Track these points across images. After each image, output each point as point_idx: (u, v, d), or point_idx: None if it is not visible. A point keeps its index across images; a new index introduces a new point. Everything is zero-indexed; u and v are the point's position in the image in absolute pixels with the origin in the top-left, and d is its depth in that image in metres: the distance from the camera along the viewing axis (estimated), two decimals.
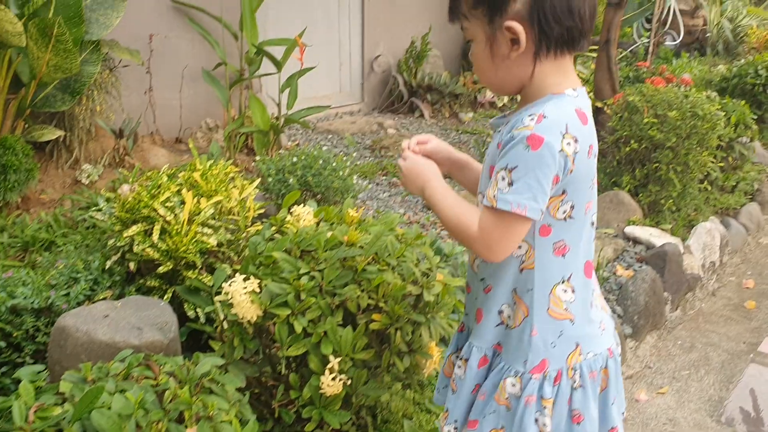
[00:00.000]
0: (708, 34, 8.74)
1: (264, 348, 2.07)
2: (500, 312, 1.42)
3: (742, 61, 6.22)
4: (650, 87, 4.13)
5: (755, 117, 4.89)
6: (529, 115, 1.25)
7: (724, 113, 4.10)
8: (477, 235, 1.31)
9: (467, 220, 1.33)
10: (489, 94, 6.91)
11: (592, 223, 1.41)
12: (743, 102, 4.84)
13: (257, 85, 5.16)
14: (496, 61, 1.31)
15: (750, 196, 4.65)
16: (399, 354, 1.99)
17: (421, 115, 6.44)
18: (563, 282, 1.37)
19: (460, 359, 1.50)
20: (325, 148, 5.17)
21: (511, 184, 1.24)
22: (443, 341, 2.57)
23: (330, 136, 5.55)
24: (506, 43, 1.28)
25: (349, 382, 1.89)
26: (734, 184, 4.65)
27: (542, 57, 1.28)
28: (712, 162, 4.19)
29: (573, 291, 1.37)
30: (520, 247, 1.35)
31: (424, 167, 1.46)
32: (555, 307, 1.37)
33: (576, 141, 1.25)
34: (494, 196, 1.26)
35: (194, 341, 2.48)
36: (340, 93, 6.41)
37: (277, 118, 4.38)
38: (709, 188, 4.37)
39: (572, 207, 1.32)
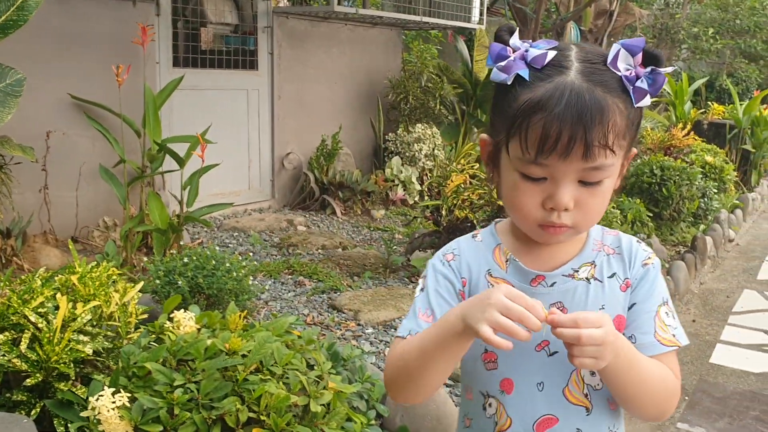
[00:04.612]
0: None
1: None
2: None
3: (638, 161, 6.52)
4: None
5: (651, 214, 5.07)
6: (637, 242, 1.22)
7: (619, 211, 4.23)
8: (678, 384, 1.17)
9: (666, 371, 1.14)
10: (401, 192, 6.99)
11: None
12: (638, 200, 5.02)
13: (160, 183, 5.05)
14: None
15: None
16: None
17: (333, 213, 6.42)
18: None
19: None
20: (230, 246, 5.06)
21: (674, 317, 1.18)
22: None
23: (236, 233, 5.45)
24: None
25: None
26: None
27: None
28: None
29: None
30: None
31: (609, 319, 1.04)
32: None
33: None
34: (674, 336, 1.16)
35: None
36: (250, 190, 6.35)
37: (178, 216, 4.27)
38: None
39: None
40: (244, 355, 1.91)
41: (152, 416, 1.75)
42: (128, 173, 4.43)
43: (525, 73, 1.05)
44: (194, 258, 2.85)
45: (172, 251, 3.81)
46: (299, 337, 2.32)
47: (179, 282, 2.73)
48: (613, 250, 1.20)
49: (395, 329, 3.71)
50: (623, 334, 1.12)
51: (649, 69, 1.05)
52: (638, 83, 1.05)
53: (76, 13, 4.68)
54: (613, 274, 1.18)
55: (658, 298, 1.18)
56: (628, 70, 1.05)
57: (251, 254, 4.68)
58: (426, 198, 6.79)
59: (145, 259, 3.85)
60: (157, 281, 2.79)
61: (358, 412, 2.45)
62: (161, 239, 4.13)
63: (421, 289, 1.21)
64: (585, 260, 1.18)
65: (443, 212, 4.76)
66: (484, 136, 1.16)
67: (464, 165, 5.61)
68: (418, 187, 6.98)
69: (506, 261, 1.19)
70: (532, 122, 1.01)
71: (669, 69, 1.08)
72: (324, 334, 3.37)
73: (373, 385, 2.70)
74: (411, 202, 7.01)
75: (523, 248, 1.19)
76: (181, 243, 4.23)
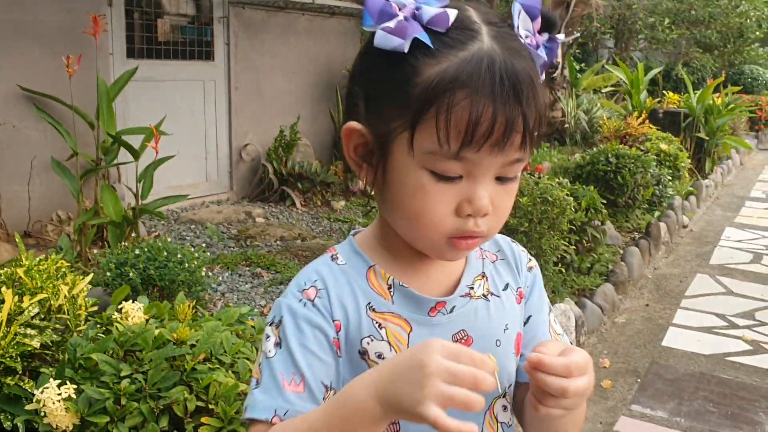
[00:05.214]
0: (567, 125, 9.27)
1: None
2: None
3: (594, 149, 6.60)
4: None
5: (605, 201, 5.15)
6: (512, 241, 1.07)
7: (573, 198, 4.29)
8: None
9: None
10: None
11: None
12: (592, 187, 5.09)
13: (115, 175, 4.99)
14: None
15: (605, 277, 4.84)
16: None
17: (293, 204, 6.41)
18: None
19: None
20: (187, 238, 5.02)
21: (556, 321, 1.09)
22: None
23: (194, 226, 5.41)
24: None
25: None
26: (589, 265, 4.84)
27: None
28: (565, 245, 4.34)
29: None
30: None
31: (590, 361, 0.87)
32: None
33: None
34: (561, 335, 1.08)
35: None
36: (207, 182, 6.30)
37: (133, 209, 4.23)
38: (564, 271, 4.51)
39: None
40: (192, 345, 1.90)
41: (99, 407, 1.74)
42: (82, 166, 4.37)
43: (425, 38, 0.80)
44: (146, 250, 2.83)
45: (126, 244, 3.77)
46: (253, 327, 2.32)
47: (130, 274, 2.71)
48: (495, 255, 1.03)
49: None
50: (522, 354, 1.01)
51: (545, 36, 0.88)
52: (539, 52, 0.87)
53: (23, 3, 4.59)
54: (507, 285, 1.02)
55: (546, 304, 1.07)
56: (527, 36, 0.86)
57: (204, 246, 4.64)
58: None
59: (95, 251, 3.80)
60: (108, 273, 2.77)
61: None
62: (116, 232, 4.08)
63: (277, 344, 0.87)
64: (475, 272, 0.99)
65: None
66: (353, 125, 0.88)
67: None
68: None
69: (389, 288, 0.93)
70: (454, 104, 0.78)
71: (564, 37, 0.95)
72: None
73: None
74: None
75: (404, 267, 0.94)
76: (136, 236, 4.19)
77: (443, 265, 0.96)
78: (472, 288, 0.97)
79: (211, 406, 1.79)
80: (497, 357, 0.89)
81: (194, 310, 2.29)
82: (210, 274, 4.10)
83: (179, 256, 2.81)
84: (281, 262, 4.51)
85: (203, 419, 1.78)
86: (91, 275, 2.36)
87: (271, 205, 6.37)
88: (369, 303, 0.91)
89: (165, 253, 2.81)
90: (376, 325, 0.90)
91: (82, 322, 2.42)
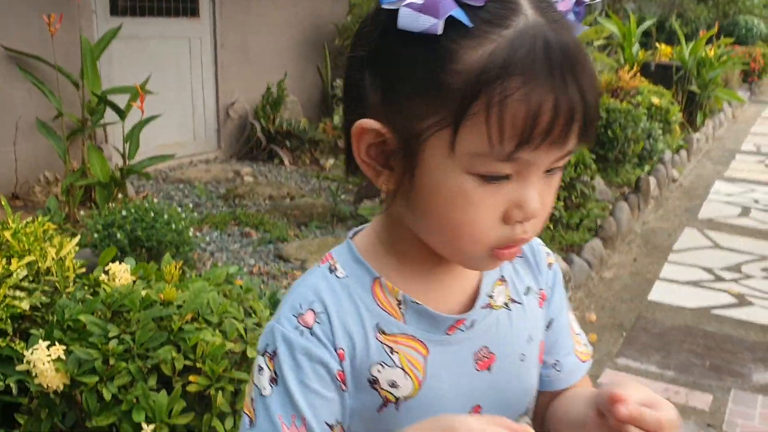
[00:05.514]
0: None
1: (79, 420, 1.93)
2: None
3: None
4: None
5: (595, 156, 5.15)
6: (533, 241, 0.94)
7: None
8: None
9: None
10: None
11: None
12: None
13: (102, 136, 4.96)
14: None
15: (593, 232, 4.86)
16: (221, 415, 1.89)
17: (281, 162, 6.39)
18: None
19: None
20: (175, 198, 5.02)
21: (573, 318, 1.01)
22: None
23: (182, 185, 5.40)
24: None
25: None
26: (578, 221, 4.86)
27: None
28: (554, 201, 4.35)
29: None
30: None
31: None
32: None
33: None
34: (586, 345, 0.99)
35: (9, 415, 2.28)
36: (195, 141, 6.27)
37: (121, 169, 4.21)
38: (552, 227, 4.54)
39: None
40: (179, 306, 1.91)
41: (88, 368, 1.76)
42: (68, 126, 4.33)
43: (461, 15, 0.66)
44: (133, 211, 2.83)
45: (113, 205, 3.77)
46: (240, 287, 2.34)
47: (118, 235, 2.71)
48: None
49: None
50: (545, 362, 0.93)
51: (573, 0, 0.74)
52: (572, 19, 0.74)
53: None
54: (528, 289, 0.91)
55: (567, 303, 0.97)
56: (557, 1, 0.73)
57: (191, 206, 4.63)
58: None
59: (82, 213, 3.80)
60: (96, 235, 2.77)
61: None
62: (104, 193, 4.08)
63: (273, 381, 0.77)
64: (494, 277, 0.88)
65: None
66: (367, 124, 0.73)
67: None
68: None
69: (399, 304, 0.80)
70: (508, 95, 0.65)
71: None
72: (266, 283, 3.39)
73: None
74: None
75: (414, 277, 0.82)
76: (124, 196, 4.19)
77: (459, 272, 0.84)
78: (492, 296, 0.86)
79: (198, 365, 1.81)
80: (521, 373, 0.87)
81: (182, 271, 2.30)
82: (198, 234, 4.11)
83: (166, 216, 2.81)
84: (270, 221, 4.51)
85: (191, 377, 1.80)
86: (78, 237, 2.36)
87: (260, 163, 6.35)
88: (377, 324, 0.79)
89: (152, 214, 2.81)
90: (387, 350, 0.79)
91: (71, 284, 2.43)
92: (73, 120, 4.36)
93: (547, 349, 0.93)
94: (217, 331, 1.92)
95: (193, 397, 1.87)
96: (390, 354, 0.79)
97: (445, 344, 0.81)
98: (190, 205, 4.56)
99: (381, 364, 0.79)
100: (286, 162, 6.38)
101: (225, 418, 1.89)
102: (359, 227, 0.88)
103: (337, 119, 6.83)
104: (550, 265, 0.95)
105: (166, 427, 1.78)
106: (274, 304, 2.61)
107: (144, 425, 1.73)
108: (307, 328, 0.77)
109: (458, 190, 0.70)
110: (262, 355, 0.78)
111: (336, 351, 0.77)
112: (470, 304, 0.84)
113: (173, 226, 2.80)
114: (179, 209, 3.06)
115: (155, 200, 3.13)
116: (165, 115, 4.88)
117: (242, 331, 1.95)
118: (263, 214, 4.64)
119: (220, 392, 1.86)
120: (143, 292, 1.91)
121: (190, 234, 2.96)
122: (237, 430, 1.94)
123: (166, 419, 1.77)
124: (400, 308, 0.80)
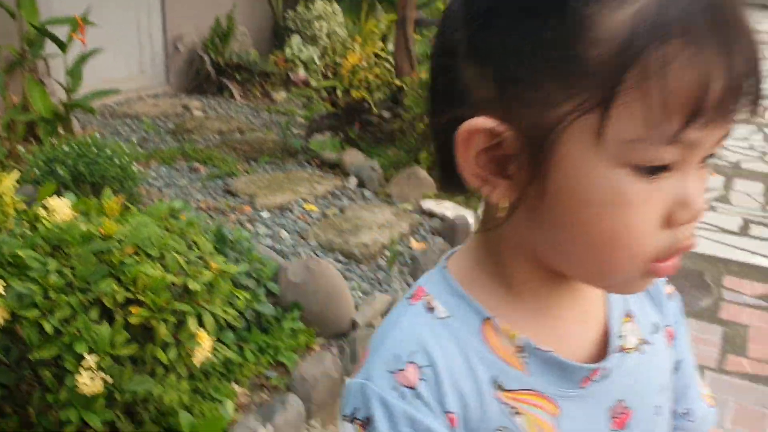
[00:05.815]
0: None
1: (21, 354, 1.96)
2: None
3: None
4: None
5: None
6: None
7: None
8: None
9: None
10: (302, 73, 6.89)
11: None
12: None
13: (44, 69, 4.83)
14: None
15: None
16: (164, 346, 1.94)
17: (231, 96, 6.31)
18: None
19: None
20: (122, 133, 4.95)
21: None
22: (231, 328, 2.56)
23: (129, 120, 5.31)
24: None
25: (111, 379, 1.83)
26: None
27: None
28: None
29: None
30: None
31: None
32: None
33: None
34: (708, 388, 0.88)
35: None
36: (142, 75, 6.14)
37: (65, 104, 4.13)
38: None
39: None
40: (120, 240, 1.94)
41: (28, 302, 1.78)
42: (6, 59, 4.21)
43: None
44: (75, 146, 2.80)
45: (56, 141, 3.71)
46: (184, 221, 2.36)
47: (60, 171, 2.69)
48: None
49: (291, 212, 3.78)
50: (675, 411, 0.80)
51: None
52: None
53: None
54: (656, 327, 0.76)
55: (690, 342, 0.82)
56: None
57: (136, 141, 4.58)
58: (330, 79, 6.73)
59: (21, 149, 3.73)
60: (37, 171, 2.74)
61: (248, 291, 2.55)
62: (47, 128, 4.01)
63: None
64: (620, 311, 0.72)
65: (339, 93, 4.76)
66: (480, 124, 0.58)
67: (364, 43, 5.56)
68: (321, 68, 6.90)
69: (518, 351, 0.65)
70: (668, 62, 0.52)
71: None
72: (213, 218, 3.41)
73: (264, 265, 2.79)
74: (313, 83, 6.93)
75: (532, 315, 0.67)
76: (69, 132, 4.12)
77: (580, 305, 0.69)
78: (622, 336, 0.71)
79: (140, 297, 1.85)
80: (656, 430, 0.73)
81: (126, 206, 2.31)
82: (146, 170, 4.08)
83: (109, 151, 2.79)
84: (219, 156, 4.49)
85: (132, 309, 1.84)
86: (17, 173, 2.34)
87: (209, 97, 6.26)
88: (494, 378, 0.64)
89: (95, 149, 2.79)
90: (509, 412, 0.63)
91: (11, 220, 2.42)
92: (12, 52, 4.23)
93: (676, 396, 0.79)
94: (158, 264, 1.95)
95: (137, 330, 1.92)
96: (512, 416, 0.64)
97: (578, 400, 0.66)
98: (135, 141, 4.50)
99: (501, 430, 0.64)
100: (237, 95, 6.30)
101: (168, 348, 1.94)
102: (451, 251, 0.72)
103: (288, 51, 6.74)
104: (669, 294, 0.80)
105: (109, 358, 1.82)
106: (219, 238, 2.65)
107: (86, 356, 1.77)
108: (410, 388, 0.61)
109: (611, 190, 0.56)
110: (351, 421, 0.62)
111: (446, 414, 0.62)
112: (601, 347, 0.69)
113: (116, 161, 2.79)
114: (122, 144, 3.04)
115: (100, 135, 3.10)
116: (110, 48, 4.77)
117: (183, 264, 1.99)
118: (212, 149, 4.62)
119: (162, 323, 1.91)
120: (83, 227, 1.92)
121: (135, 169, 2.95)
122: (179, 360, 2.00)
123: (109, 350, 1.81)
124: (520, 357, 0.64)
